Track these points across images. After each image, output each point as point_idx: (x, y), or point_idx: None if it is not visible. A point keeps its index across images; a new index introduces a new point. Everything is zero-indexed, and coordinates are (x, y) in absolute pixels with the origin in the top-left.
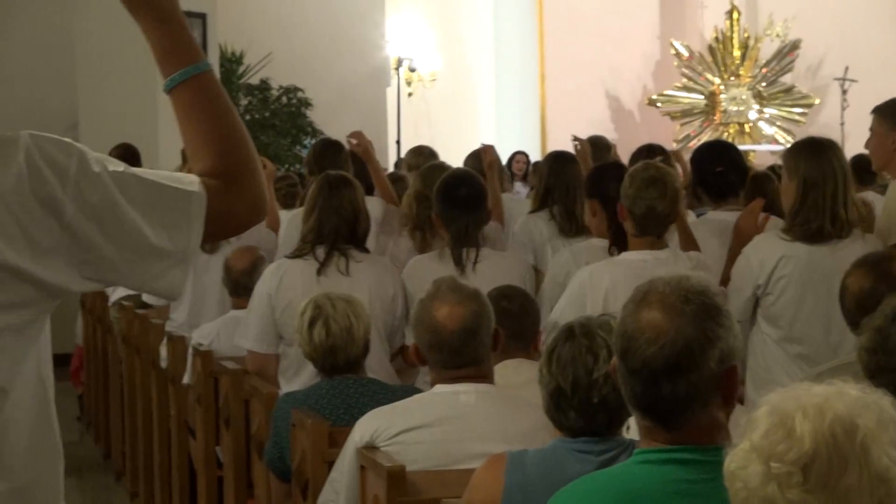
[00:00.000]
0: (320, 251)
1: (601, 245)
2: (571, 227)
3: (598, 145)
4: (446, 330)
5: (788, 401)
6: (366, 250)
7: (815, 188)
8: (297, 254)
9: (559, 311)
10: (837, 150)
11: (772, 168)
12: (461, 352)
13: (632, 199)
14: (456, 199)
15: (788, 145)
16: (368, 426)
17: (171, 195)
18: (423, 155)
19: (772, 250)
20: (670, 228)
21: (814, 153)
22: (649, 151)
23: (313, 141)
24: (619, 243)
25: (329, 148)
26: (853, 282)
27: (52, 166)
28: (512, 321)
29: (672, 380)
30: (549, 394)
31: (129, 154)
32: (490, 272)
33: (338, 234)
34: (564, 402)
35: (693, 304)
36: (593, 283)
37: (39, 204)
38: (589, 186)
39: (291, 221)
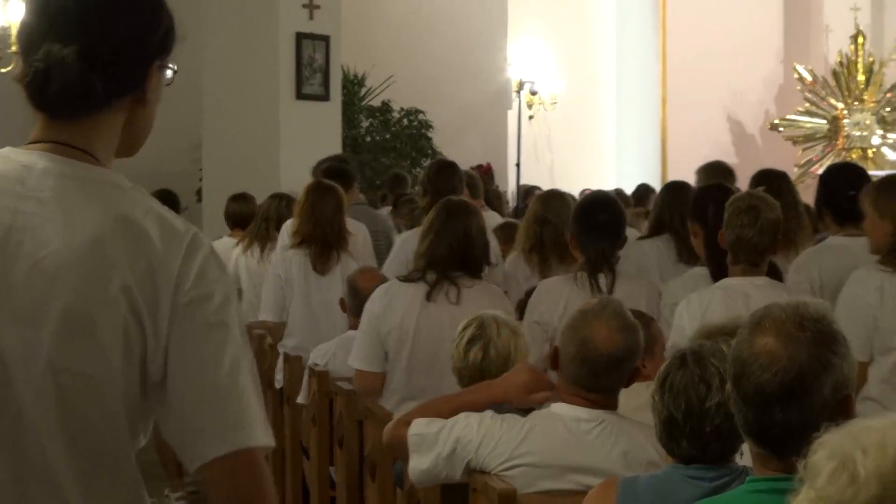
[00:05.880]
0: (431, 277)
1: (704, 273)
2: (683, 255)
3: (716, 170)
4: (597, 350)
5: (845, 441)
6: (479, 277)
7: None
8: (408, 277)
9: (669, 345)
10: None
11: None
12: (602, 376)
13: (725, 227)
14: (595, 224)
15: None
16: (480, 431)
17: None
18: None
19: (874, 281)
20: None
21: None
22: (764, 177)
23: None
24: (713, 265)
25: (444, 169)
26: None
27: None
28: None
29: (785, 407)
30: (662, 422)
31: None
32: (622, 298)
33: (449, 261)
34: (676, 430)
35: (808, 331)
36: (690, 309)
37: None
38: (691, 208)
39: (405, 241)
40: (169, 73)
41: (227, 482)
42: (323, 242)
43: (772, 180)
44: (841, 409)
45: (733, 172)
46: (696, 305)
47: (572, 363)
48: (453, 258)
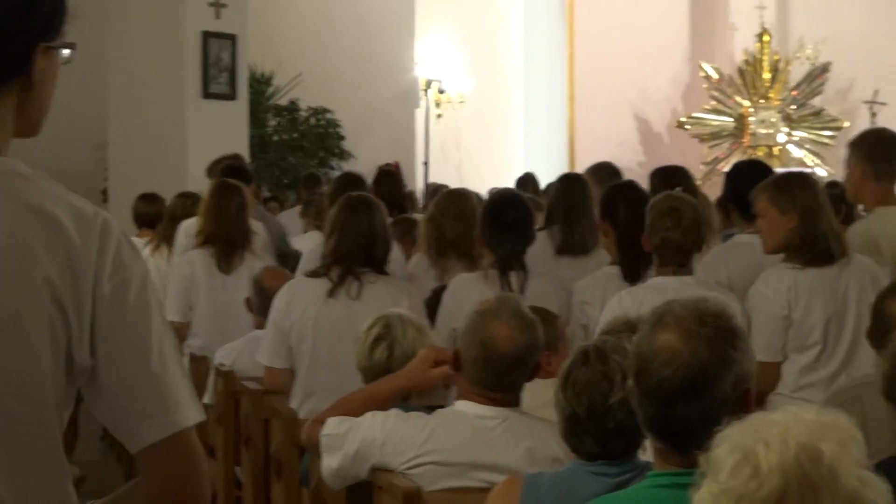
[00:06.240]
0: (335, 273)
1: (615, 272)
2: (569, 247)
3: (604, 171)
4: (499, 351)
5: (747, 434)
6: (384, 272)
7: (814, 215)
8: (313, 273)
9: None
10: (818, 181)
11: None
12: (505, 376)
13: (649, 230)
14: (504, 222)
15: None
16: (384, 430)
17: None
18: None
19: (784, 281)
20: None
21: (805, 186)
22: (663, 175)
23: (341, 162)
24: (624, 265)
25: (350, 182)
26: None
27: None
28: None
29: (686, 402)
30: (565, 419)
31: None
32: (533, 297)
33: (354, 256)
34: (580, 427)
35: (709, 327)
36: (623, 306)
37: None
38: (601, 207)
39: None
40: (66, 52)
41: (165, 463)
42: (227, 242)
43: (673, 178)
44: (741, 404)
45: (620, 173)
46: (628, 303)
47: (474, 365)
48: (358, 253)
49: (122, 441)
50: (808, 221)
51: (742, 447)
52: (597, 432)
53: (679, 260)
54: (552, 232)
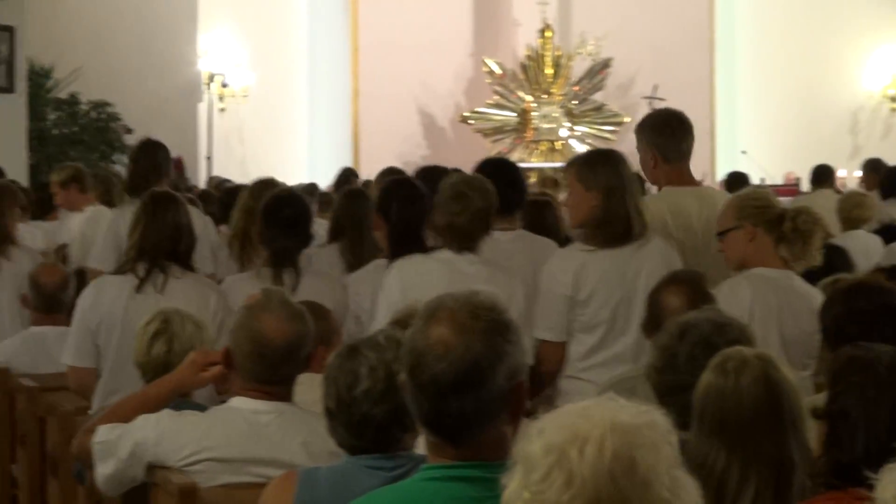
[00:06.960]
0: (141, 268)
1: (386, 265)
2: (360, 261)
3: (388, 174)
4: (271, 344)
5: (562, 429)
6: (190, 268)
7: (616, 194)
8: (118, 270)
9: (378, 321)
10: (625, 160)
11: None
12: (279, 368)
13: (437, 209)
14: (278, 219)
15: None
16: (157, 430)
17: None
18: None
19: (573, 262)
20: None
21: (610, 164)
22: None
23: (122, 156)
24: (396, 258)
25: (148, 147)
26: (673, 300)
27: None
28: None
29: (460, 396)
30: (324, 413)
31: None
32: (307, 295)
33: (159, 251)
34: (333, 419)
35: (482, 320)
36: (403, 277)
37: None
38: (377, 203)
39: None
40: None
41: None
42: None
43: (432, 174)
44: (514, 395)
45: (404, 173)
46: (411, 274)
47: (248, 360)
48: (163, 248)
49: None
50: (609, 200)
51: (557, 449)
52: (346, 424)
53: (463, 244)
54: (342, 247)
